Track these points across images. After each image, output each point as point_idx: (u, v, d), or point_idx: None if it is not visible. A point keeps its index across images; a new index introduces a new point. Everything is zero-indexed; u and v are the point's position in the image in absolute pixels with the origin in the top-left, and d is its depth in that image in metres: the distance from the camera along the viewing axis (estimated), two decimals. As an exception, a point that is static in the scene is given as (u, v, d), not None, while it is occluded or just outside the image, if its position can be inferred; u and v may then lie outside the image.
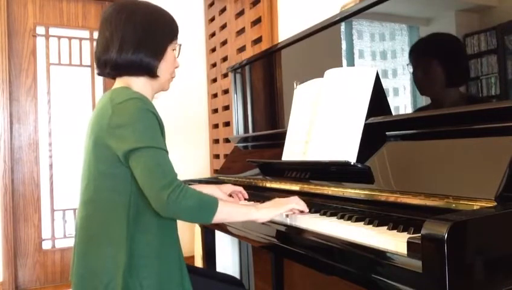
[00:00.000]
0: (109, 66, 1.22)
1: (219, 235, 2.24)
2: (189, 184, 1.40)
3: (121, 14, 1.23)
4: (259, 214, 1.21)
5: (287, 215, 1.28)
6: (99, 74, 1.30)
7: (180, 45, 1.32)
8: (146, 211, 1.16)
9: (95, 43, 3.46)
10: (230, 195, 1.58)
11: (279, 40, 2.49)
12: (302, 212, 1.27)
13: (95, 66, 1.29)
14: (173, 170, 1.13)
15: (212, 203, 1.14)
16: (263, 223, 1.36)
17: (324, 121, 1.43)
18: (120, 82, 1.25)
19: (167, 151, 1.15)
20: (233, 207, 1.24)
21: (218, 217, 1.14)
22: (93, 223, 1.18)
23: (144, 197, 1.14)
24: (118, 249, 1.13)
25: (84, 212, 1.20)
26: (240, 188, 1.59)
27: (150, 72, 1.24)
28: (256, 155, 2.10)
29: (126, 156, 1.11)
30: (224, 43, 3.28)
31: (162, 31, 1.26)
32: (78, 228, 1.21)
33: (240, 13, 3.00)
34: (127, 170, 1.13)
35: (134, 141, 1.10)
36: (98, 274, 1.14)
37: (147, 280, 1.14)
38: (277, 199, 1.29)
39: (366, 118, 1.31)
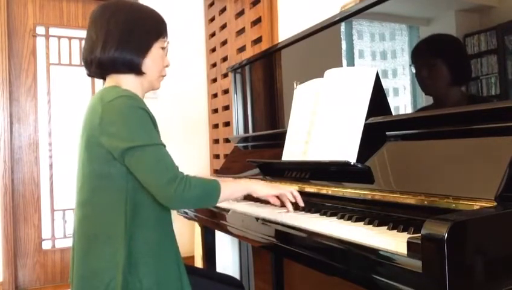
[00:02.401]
0: (94, 64, 1.24)
1: (219, 235, 2.24)
2: None
3: (105, 14, 1.25)
4: (256, 187, 1.29)
5: (287, 211, 1.30)
6: (88, 75, 1.32)
7: (168, 42, 1.31)
8: (143, 207, 1.16)
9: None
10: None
11: (279, 40, 2.49)
12: (296, 206, 1.32)
13: (84, 66, 1.30)
14: (174, 163, 1.15)
15: (215, 188, 1.19)
16: (263, 223, 1.36)
17: (324, 121, 1.43)
18: (110, 81, 1.26)
19: (164, 145, 1.16)
20: (234, 185, 1.29)
21: (222, 197, 1.21)
22: (91, 223, 1.18)
23: (140, 194, 1.15)
24: (117, 248, 1.14)
25: (81, 213, 1.20)
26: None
27: (134, 69, 1.24)
28: (256, 155, 2.10)
29: (122, 154, 1.11)
30: (224, 43, 3.28)
31: (146, 28, 1.26)
32: (76, 229, 1.22)
33: (240, 13, 3.00)
34: (122, 168, 1.14)
35: (130, 139, 1.11)
36: (99, 274, 1.14)
37: (146, 277, 1.15)
38: (275, 184, 1.36)
39: (366, 118, 1.31)
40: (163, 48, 1.29)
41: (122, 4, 1.28)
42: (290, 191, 1.31)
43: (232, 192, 1.26)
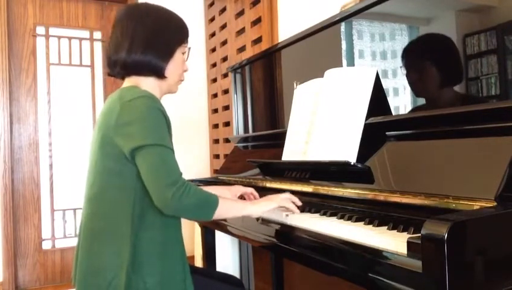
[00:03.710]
0: (119, 65, 1.25)
1: (219, 235, 2.24)
2: (197, 185, 1.41)
3: (133, 15, 1.26)
4: (254, 208, 1.26)
5: (287, 215, 1.29)
6: (109, 74, 1.33)
7: (189, 48, 1.34)
8: (151, 208, 1.17)
9: (95, 43, 3.46)
10: (241, 196, 1.53)
11: (279, 40, 2.49)
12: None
13: (106, 66, 1.32)
14: (178, 169, 1.15)
15: (213, 201, 1.17)
16: (262, 223, 1.36)
17: (324, 121, 1.43)
18: (129, 82, 1.28)
19: (173, 150, 1.17)
20: (231, 203, 1.27)
21: (218, 213, 1.18)
22: (98, 219, 1.19)
23: (148, 195, 1.14)
24: (122, 246, 1.14)
25: (90, 209, 1.21)
26: (251, 190, 1.53)
27: (158, 73, 1.26)
28: (256, 155, 2.10)
29: (132, 153, 1.12)
30: (224, 43, 3.28)
31: (172, 33, 1.28)
32: (83, 225, 1.23)
33: (240, 13, 3.00)
34: (133, 168, 1.14)
35: (142, 138, 1.12)
36: (102, 271, 1.15)
37: (150, 277, 1.15)
38: (270, 196, 1.33)
39: (366, 118, 1.31)
40: (183, 53, 1.31)
41: (149, 8, 1.29)
42: (287, 198, 1.29)
43: (229, 210, 1.24)
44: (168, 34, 1.27)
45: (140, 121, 1.13)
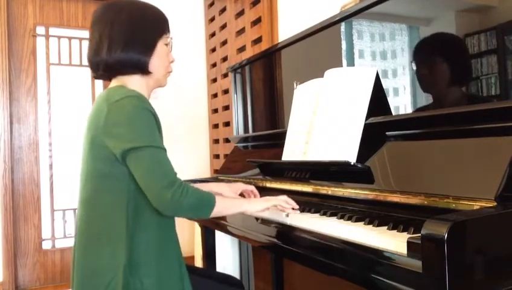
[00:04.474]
0: (101, 67, 1.23)
1: (219, 235, 2.24)
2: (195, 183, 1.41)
3: (108, 14, 1.23)
4: (249, 206, 1.28)
5: (287, 215, 1.29)
6: (94, 77, 1.32)
7: (171, 38, 1.31)
8: (145, 209, 1.16)
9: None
10: (241, 194, 1.52)
11: (279, 40, 2.49)
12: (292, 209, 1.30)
13: (90, 69, 1.30)
14: (173, 169, 1.14)
15: (210, 200, 1.18)
16: (262, 223, 1.36)
17: (324, 121, 1.43)
18: (116, 81, 1.26)
19: (165, 150, 1.16)
20: (228, 201, 1.29)
21: (215, 211, 1.19)
22: (92, 222, 1.18)
23: (142, 195, 1.14)
24: (118, 248, 1.14)
25: (83, 211, 1.20)
26: (252, 187, 1.51)
27: (142, 69, 1.24)
28: (256, 155, 2.10)
29: (124, 155, 1.11)
30: (224, 43, 3.28)
31: (150, 26, 1.25)
32: (78, 227, 1.22)
33: (240, 13, 3.00)
34: (124, 169, 1.13)
35: (132, 140, 1.11)
36: (99, 273, 1.14)
37: (147, 278, 1.15)
38: (267, 197, 1.34)
39: (366, 118, 1.31)
40: (167, 45, 1.28)
41: (124, 3, 1.26)
42: (284, 200, 1.29)
43: (225, 207, 1.25)
44: (146, 27, 1.24)
45: (129, 122, 1.12)
